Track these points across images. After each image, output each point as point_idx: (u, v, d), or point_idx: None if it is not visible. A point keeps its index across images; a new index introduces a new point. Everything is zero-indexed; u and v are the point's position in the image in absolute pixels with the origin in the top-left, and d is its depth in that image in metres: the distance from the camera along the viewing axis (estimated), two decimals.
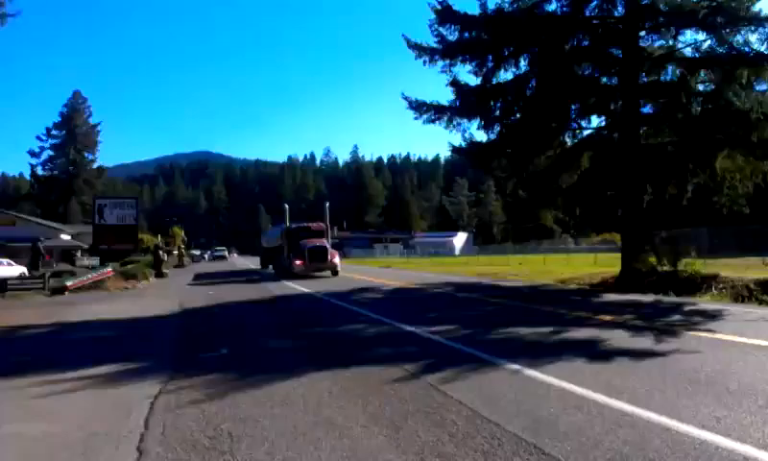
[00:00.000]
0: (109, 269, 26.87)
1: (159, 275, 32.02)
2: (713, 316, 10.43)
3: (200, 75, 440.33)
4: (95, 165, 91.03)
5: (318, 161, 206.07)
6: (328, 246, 28.81)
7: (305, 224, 31.96)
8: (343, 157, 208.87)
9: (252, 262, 55.26)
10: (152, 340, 10.25)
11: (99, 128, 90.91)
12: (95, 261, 39.10)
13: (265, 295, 18.92)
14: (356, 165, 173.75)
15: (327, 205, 33.54)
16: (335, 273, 27.90)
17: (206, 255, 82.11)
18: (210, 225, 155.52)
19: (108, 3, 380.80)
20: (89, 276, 24.58)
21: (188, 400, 5.70)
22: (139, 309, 15.22)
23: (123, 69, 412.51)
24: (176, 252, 55.68)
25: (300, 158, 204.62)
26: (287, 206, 34.50)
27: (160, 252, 36.11)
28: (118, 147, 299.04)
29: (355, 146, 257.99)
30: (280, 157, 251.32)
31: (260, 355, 8.27)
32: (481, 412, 4.90)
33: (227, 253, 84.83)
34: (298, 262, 27.26)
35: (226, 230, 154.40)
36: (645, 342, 7.98)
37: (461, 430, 4.49)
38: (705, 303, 12.65)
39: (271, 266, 37.62)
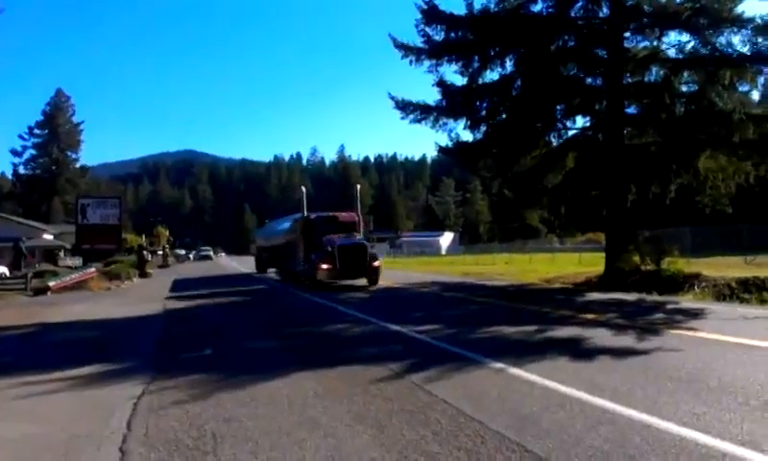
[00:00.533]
0: (93, 269, 26.62)
1: (143, 275, 31.80)
2: (695, 315, 10.55)
3: (185, 73, 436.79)
4: (78, 164, 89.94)
5: (304, 161, 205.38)
6: (367, 244, 21.02)
7: (331, 213, 23.66)
8: (329, 156, 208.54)
9: (244, 264, 47.93)
10: (135, 340, 10.17)
11: (82, 126, 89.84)
12: (78, 261, 38.69)
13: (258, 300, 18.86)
14: (343, 164, 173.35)
15: (359, 188, 25.83)
16: (374, 281, 20.27)
17: (191, 255, 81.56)
18: (196, 224, 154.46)
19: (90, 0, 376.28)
20: (72, 276, 24.34)
21: (171, 400, 5.67)
22: (123, 310, 15.09)
23: (107, 67, 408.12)
24: (160, 252, 55.28)
25: (287, 158, 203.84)
26: (305, 189, 25.09)
27: (144, 252, 35.91)
28: (102, 146, 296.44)
29: (342, 145, 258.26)
30: (266, 157, 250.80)
31: (245, 356, 8.24)
32: (465, 410, 4.92)
33: (212, 252, 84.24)
34: (323, 266, 19.48)
35: (211, 229, 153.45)
36: (627, 340, 8.07)
37: (445, 429, 4.51)
38: (687, 301, 12.79)
39: (273, 270, 30.66)
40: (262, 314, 14.02)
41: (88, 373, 7.14)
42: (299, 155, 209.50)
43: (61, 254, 50.62)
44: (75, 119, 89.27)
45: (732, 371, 6.10)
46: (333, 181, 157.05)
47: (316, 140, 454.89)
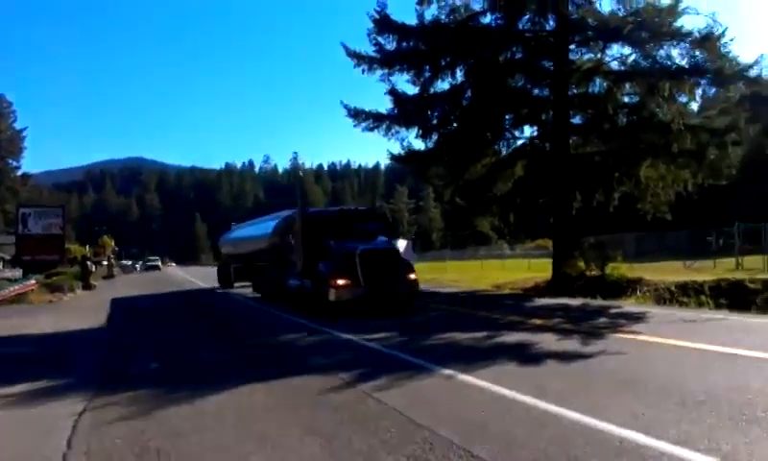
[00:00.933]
0: (33, 281, 25.57)
1: (87, 287, 30.72)
2: (637, 318, 10.92)
3: (132, 79, 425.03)
4: (20, 172, 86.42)
5: (257, 168, 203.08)
6: (398, 249, 15.47)
7: (342, 208, 18.59)
8: (282, 164, 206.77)
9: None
10: (77, 355, 9.81)
11: (25, 133, 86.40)
12: (18, 273, 37.09)
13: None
14: (296, 171, 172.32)
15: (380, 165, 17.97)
16: (409, 304, 13.88)
17: (138, 266, 79.18)
18: (143, 234, 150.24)
19: (31, 4, 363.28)
20: (11, 288, 23.29)
21: (114, 416, 5.49)
22: (64, 323, 14.53)
23: (52, 73, 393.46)
24: (105, 262, 53.53)
25: (239, 165, 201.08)
26: (302, 172, 17.56)
27: (88, 262, 34.74)
28: (45, 153, 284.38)
29: (295, 153, 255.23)
30: (217, 164, 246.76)
31: (192, 369, 8.06)
32: (414, 418, 4.95)
33: (160, 263, 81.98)
34: (339, 282, 13.10)
35: (160, 239, 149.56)
36: (572, 344, 8.29)
37: (394, 437, 4.52)
38: (629, 305, 13.23)
39: (241, 284, 24.79)
40: (211, 325, 13.75)
41: (27, 389, 6.85)
42: (251, 162, 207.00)
43: (0, 265, 48.40)
44: (17, 125, 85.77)
45: (670, 372, 6.35)
46: (287, 189, 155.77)
47: (269, 148, 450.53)
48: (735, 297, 12.84)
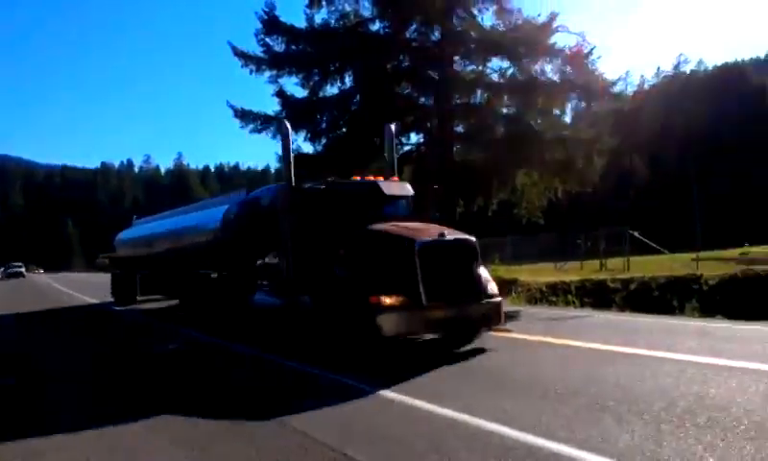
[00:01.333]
0: None
1: None
2: (510, 317, 11.41)
3: None
4: None
5: (136, 168, 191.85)
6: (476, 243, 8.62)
7: (365, 179, 10.79)
8: (165, 164, 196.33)
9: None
10: None
11: None
12: None
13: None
14: (180, 172, 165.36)
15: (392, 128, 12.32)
16: (488, 331, 8.61)
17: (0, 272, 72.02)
18: (5, 238, 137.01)
19: None
20: None
21: None
22: None
23: None
24: None
25: (116, 164, 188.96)
26: (288, 126, 12.21)
27: None
28: None
29: (179, 153, 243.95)
30: (92, 163, 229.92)
31: (72, 399, 7.45)
32: (290, 423, 4.96)
33: (24, 269, 75.00)
34: (387, 301, 7.33)
35: (25, 243, 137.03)
36: (450, 344, 8.62)
37: (267, 441, 4.47)
38: (504, 305, 13.94)
39: (145, 298, 18.69)
40: (102, 342, 12.80)
41: None
42: (129, 162, 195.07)
43: None
44: None
45: (535, 367, 6.84)
46: (170, 190, 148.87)
47: (149, 147, 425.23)
48: (598, 296, 14.04)
